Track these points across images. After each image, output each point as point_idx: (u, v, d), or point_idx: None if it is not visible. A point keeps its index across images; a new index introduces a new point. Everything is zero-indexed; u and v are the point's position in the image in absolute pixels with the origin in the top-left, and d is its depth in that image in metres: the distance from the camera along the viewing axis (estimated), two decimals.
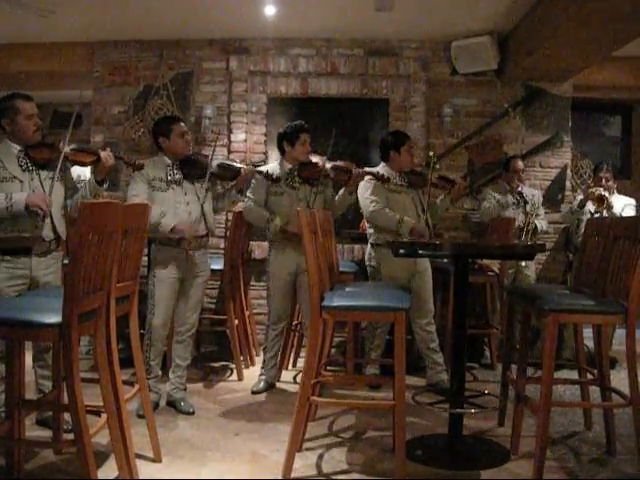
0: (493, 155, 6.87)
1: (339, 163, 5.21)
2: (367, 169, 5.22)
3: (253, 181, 5.24)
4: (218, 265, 5.71)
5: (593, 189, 6.38)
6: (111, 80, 7.12)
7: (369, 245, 5.44)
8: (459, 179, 5.49)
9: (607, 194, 6.30)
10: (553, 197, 6.86)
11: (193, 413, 4.64)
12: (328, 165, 5.13)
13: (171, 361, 4.93)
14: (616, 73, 7.13)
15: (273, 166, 5.30)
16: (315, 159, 5.19)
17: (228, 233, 6.08)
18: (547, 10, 5.46)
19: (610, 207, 6.30)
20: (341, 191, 5.23)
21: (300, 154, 5.18)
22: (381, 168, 5.36)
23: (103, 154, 4.21)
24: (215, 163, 4.79)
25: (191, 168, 4.72)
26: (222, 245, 6.78)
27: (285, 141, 5.23)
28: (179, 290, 4.70)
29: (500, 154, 6.79)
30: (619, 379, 4.60)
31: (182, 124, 4.80)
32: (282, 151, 5.29)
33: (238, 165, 4.94)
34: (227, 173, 4.85)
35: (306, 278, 5.05)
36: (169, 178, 4.66)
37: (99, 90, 7.16)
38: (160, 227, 4.50)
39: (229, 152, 6.92)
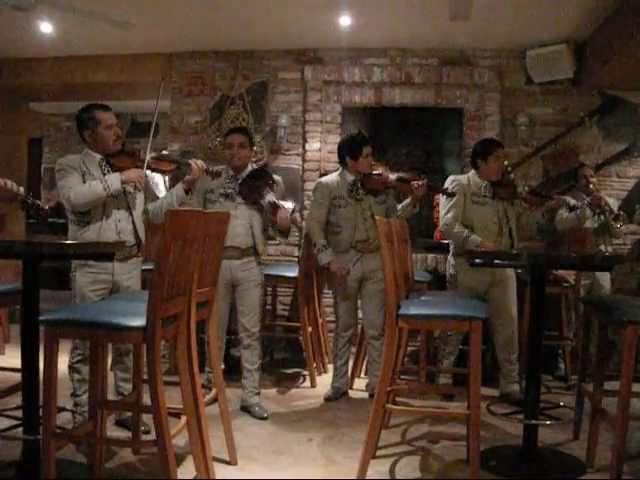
0: (568, 165, 6.78)
1: (403, 174, 5.17)
2: (430, 185, 5.15)
3: (315, 197, 5.23)
4: (292, 273, 5.79)
5: None
6: (188, 90, 7.29)
7: (450, 254, 5.43)
8: (556, 195, 5.28)
9: None
10: (631, 207, 6.72)
11: (267, 418, 4.70)
12: (392, 176, 5.10)
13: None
14: None
15: (333, 177, 5.27)
16: (379, 170, 5.15)
17: (302, 241, 6.14)
18: (626, 17, 5.38)
19: None
20: (406, 202, 5.17)
21: (364, 167, 5.13)
22: (471, 175, 5.31)
23: (194, 164, 4.31)
24: (267, 199, 4.74)
25: (249, 189, 4.76)
26: (296, 253, 6.86)
27: (347, 155, 5.17)
28: (233, 296, 4.80)
29: (576, 164, 6.68)
30: None
31: (235, 136, 4.86)
32: (344, 163, 5.23)
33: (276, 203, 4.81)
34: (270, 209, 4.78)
35: (371, 286, 5.14)
36: (220, 191, 4.74)
37: (176, 100, 7.34)
38: None
39: (303, 161, 7.01)
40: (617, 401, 3.42)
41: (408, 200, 5.15)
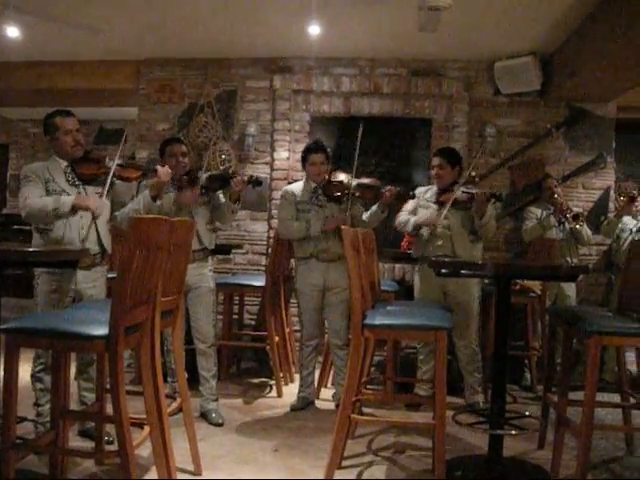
0: (535, 176, 6.82)
1: (364, 180, 5.22)
2: (401, 191, 5.19)
3: (281, 201, 5.31)
4: (259, 282, 5.77)
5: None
6: (156, 98, 7.24)
7: None
8: (479, 190, 5.16)
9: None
10: (596, 219, 6.79)
11: (222, 424, 4.71)
12: (354, 183, 5.14)
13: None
14: None
15: (298, 184, 5.35)
16: (341, 177, 5.19)
17: (269, 250, 6.10)
18: (592, 30, 5.44)
19: None
20: (373, 208, 5.20)
21: (311, 175, 5.22)
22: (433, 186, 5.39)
23: (160, 170, 4.30)
24: (204, 176, 4.84)
25: (185, 183, 4.80)
26: (263, 262, 6.84)
27: (302, 162, 5.30)
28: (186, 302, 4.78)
29: (542, 175, 6.74)
30: None
31: (178, 145, 4.93)
32: (305, 171, 5.34)
33: (228, 173, 5.06)
34: (216, 183, 4.88)
35: (334, 297, 5.13)
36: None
37: (144, 107, 7.30)
38: None
39: (272, 170, 7.01)
40: (581, 411, 3.45)
41: (376, 206, 5.17)
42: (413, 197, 5.27)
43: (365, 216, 5.20)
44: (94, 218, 4.06)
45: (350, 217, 5.14)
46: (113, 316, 2.78)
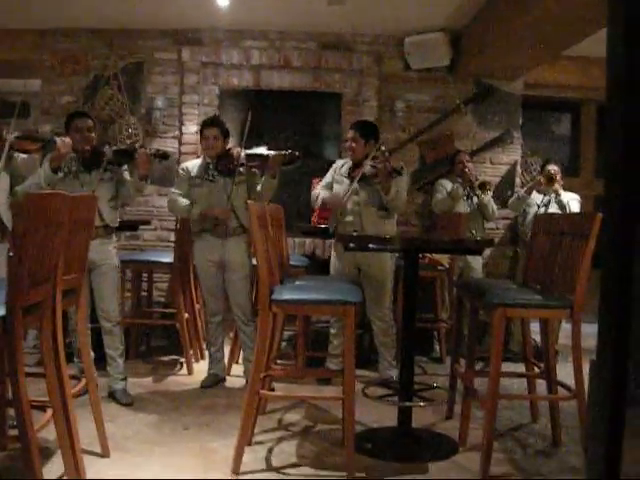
0: (444, 151, 6.91)
1: (252, 150, 5.16)
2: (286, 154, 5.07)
3: (176, 178, 5.34)
4: (167, 258, 5.68)
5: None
6: (60, 69, 7.00)
7: None
8: (380, 165, 5.09)
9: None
10: (502, 193, 6.92)
11: (131, 404, 4.64)
12: (242, 153, 5.10)
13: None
14: (566, 72, 7.21)
15: (197, 160, 5.38)
16: (232, 151, 5.17)
17: (178, 226, 6.00)
18: (499, 9, 5.51)
19: (558, 193, 6.45)
20: (263, 177, 5.15)
21: (203, 149, 5.24)
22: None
23: (59, 141, 4.17)
24: (109, 150, 4.79)
25: (90, 158, 4.73)
26: (172, 238, 6.74)
27: (200, 136, 5.30)
28: (89, 279, 4.69)
29: (451, 150, 6.82)
30: (565, 372, 4.66)
31: (84, 119, 4.79)
32: None
33: (134, 147, 5.06)
34: (122, 157, 4.82)
35: (233, 274, 5.10)
36: (65, 170, 4.61)
37: (48, 79, 7.04)
38: None
39: (180, 144, 6.90)
40: (487, 381, 3.51)
41: (265, 174, 5.12)
42: (299, 158, 5.09)
43: (258, 187, 5.14)
44: None
45: (246, 189, 5.15)
46: (9, 295, 2.66)
